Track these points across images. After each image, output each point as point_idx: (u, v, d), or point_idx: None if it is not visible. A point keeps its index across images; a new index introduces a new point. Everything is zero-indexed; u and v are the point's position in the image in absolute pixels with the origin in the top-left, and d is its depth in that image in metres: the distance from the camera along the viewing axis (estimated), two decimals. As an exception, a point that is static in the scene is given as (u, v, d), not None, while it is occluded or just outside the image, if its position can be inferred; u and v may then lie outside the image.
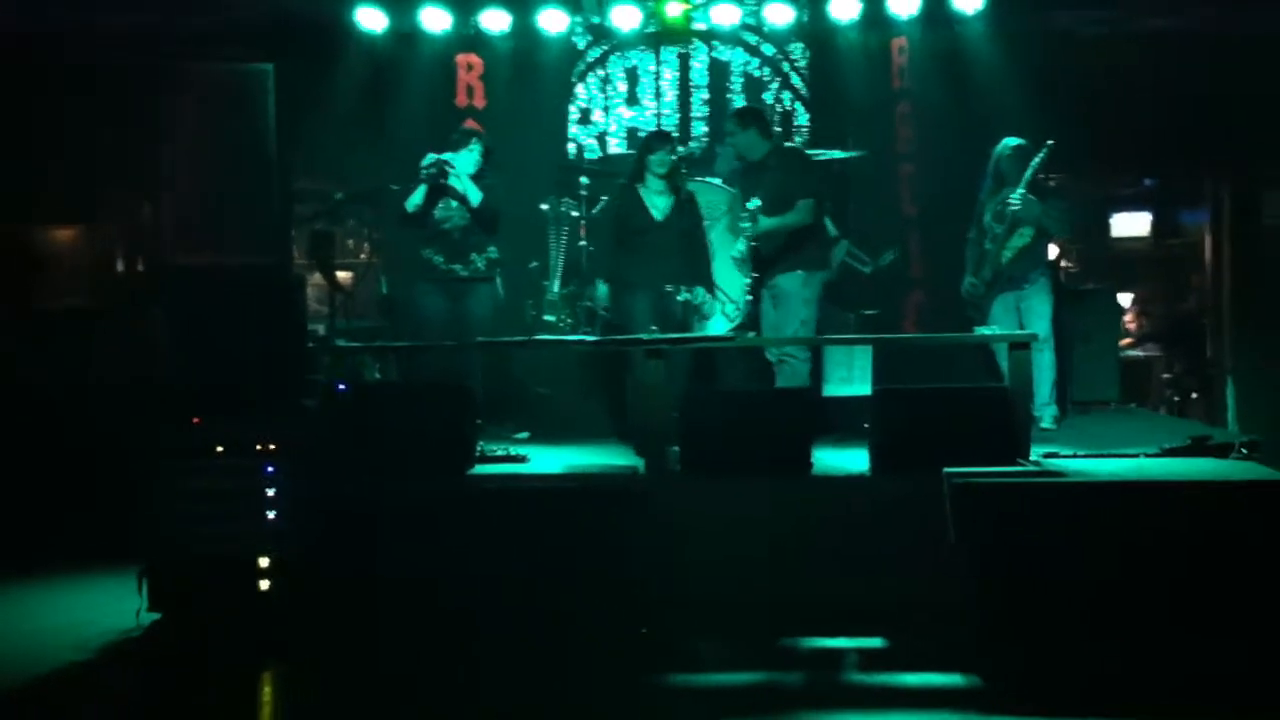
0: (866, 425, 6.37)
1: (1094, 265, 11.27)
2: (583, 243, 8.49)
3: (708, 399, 6.73)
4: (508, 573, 5.78)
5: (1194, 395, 10.52)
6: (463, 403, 6.43)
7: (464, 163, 7.65)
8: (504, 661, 5.41)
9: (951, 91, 9.03)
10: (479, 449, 6.59)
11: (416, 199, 7.63)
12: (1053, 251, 8.44)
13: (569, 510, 5.94)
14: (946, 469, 5.82)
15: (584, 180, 8.62)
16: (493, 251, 7.80)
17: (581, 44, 9.62)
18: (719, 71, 9.61)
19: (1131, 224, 12.06)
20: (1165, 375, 10.87)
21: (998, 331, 7.38)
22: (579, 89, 9.66)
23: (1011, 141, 7.78)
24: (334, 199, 8.61)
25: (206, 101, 9.14)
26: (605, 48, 9.64)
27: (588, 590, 5.78)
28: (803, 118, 9.62)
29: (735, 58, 9.61)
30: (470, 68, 9.47)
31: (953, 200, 8.47)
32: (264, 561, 5.91)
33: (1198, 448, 6.52)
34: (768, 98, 9.55)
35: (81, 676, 5.44)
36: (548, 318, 8.49)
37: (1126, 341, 10.66)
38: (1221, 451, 6.47)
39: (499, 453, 6.70)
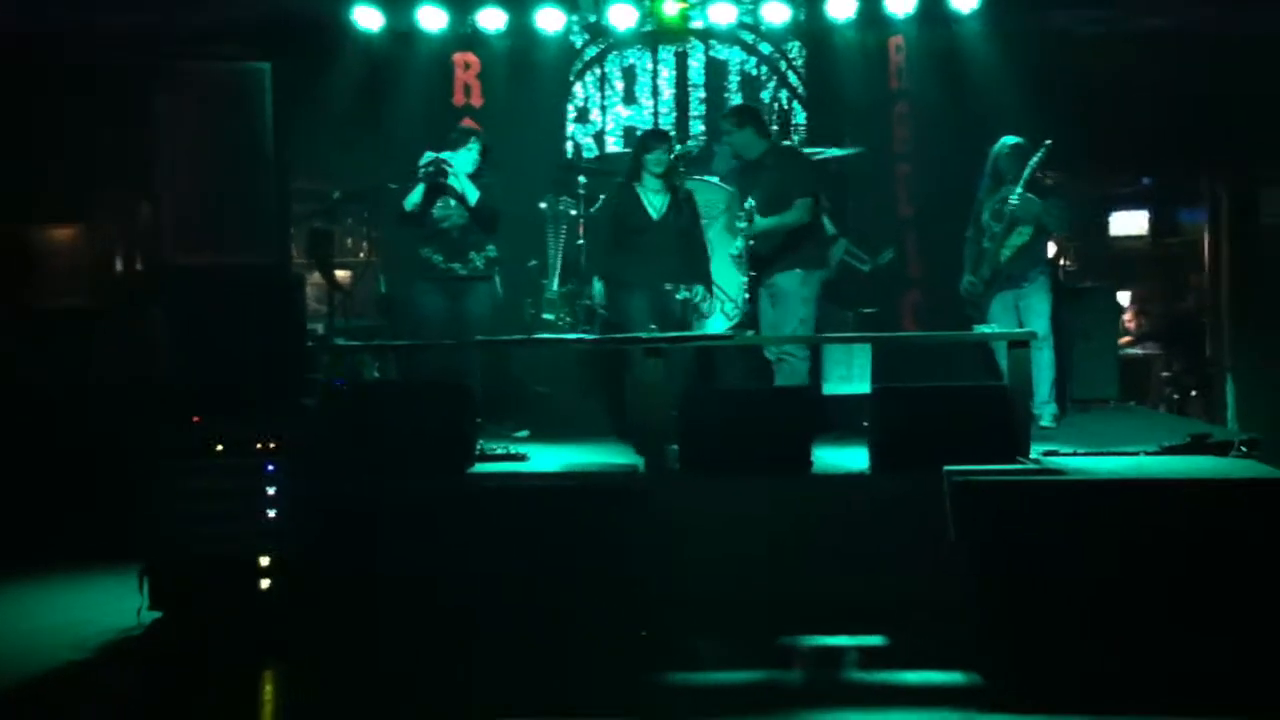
0: (866, 423, 6.37)
1: (1092, 264, 11.26)
2: (581, 241, 8.50)
3: (707, 397, 6.73)
4: (507, 571, 5.78)
5: (1193, 393, 10.52)
6: (462, 401, 6.43)
7: (462, 161, 7.65)
8: (504, 660, 5.40)
9: (949, 90, 9.03)
10: (478, 447, 6.60)
11: (415, 198, 7.63)
12: (1051, 250, 8.44)
13: (568, 509, 5.93)
14: (946, 467, 5.82)
15: (582, 179, 8.63)
16: (491, 250, 7.79)
17: (579, 43, 9.62)
18: (716, 70, 9.62)
19: (1130, 223, 12.08)
20: (1164, 373, 10.87)
21: (997, 330, 7.39)
22: (576, 88, 9.67)
23: (1010, 140, 7.78)
24: (332, 198, 8.57)
25: (205, 101, 9.10)
26: (602, 46, 9.64)
27: (587, 588, 5.78)
28: (800, 116, 9.63)
29: (732, 56, 9.61)
30: (468, 66, 9.47)
31: (950, 198, 8.47)
32: (264, 561, 5.92)
33: (1197, 446, 6.53)
34: (765, 96, 9.56)
35: (81, 676, 5.44)
36: (546, 316, 8.49)
37: (1126, 340, 10.67)
38: (1221, 450, 6.48)
39: (498, 451, 6.71)
